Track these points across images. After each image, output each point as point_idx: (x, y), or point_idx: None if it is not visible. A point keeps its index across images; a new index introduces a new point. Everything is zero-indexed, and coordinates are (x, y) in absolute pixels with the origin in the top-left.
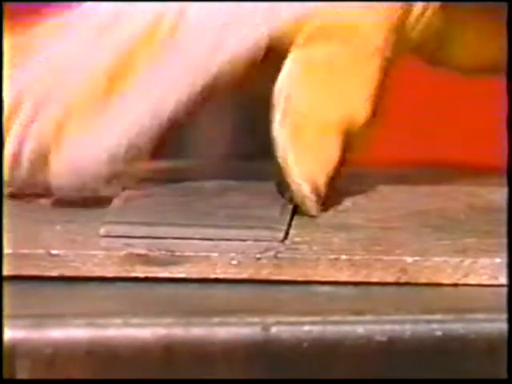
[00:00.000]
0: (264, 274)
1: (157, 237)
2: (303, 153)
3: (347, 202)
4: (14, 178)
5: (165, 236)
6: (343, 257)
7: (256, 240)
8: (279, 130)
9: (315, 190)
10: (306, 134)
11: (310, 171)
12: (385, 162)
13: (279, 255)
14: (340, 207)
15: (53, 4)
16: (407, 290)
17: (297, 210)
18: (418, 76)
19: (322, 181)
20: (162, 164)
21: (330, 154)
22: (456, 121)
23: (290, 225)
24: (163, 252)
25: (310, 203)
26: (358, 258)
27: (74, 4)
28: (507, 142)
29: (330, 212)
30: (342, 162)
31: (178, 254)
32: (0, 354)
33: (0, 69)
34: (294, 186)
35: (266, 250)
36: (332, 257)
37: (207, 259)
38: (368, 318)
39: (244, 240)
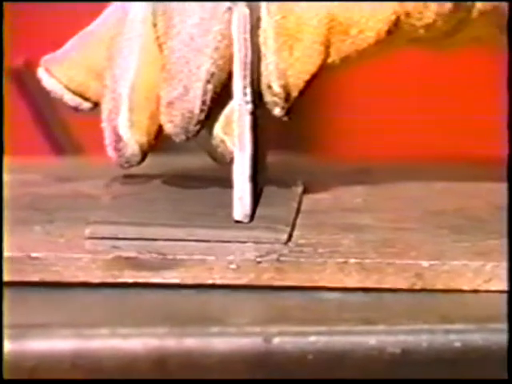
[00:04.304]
0: (265, 279)
1: (147, 238)
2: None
3: (356, 200)
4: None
5: (156, 237)
6: (352, 260)
7: (257, 242)
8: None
9: (286, 91)
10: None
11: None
12: (396, 154)
13: (282, 258)
14: (349, 206)
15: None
16: (423, 296)
17: (300, 206)
18: (431, 68)
19: (296, 87)
20: (155, 158)
21: (310, 63)
22: (472, 111)
23: (294, 225)
24: (154, 255)
25: (279, 102)
26: (368, 261)
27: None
28: (507, 142)
29: (338, 211)
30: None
31: (170, 257)
32: (0, 354)
33: (0, 68)
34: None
35: (268, 252)
36: (340, 260)
37: (203, 263)
38: (380, 327)
39: (243, 242)
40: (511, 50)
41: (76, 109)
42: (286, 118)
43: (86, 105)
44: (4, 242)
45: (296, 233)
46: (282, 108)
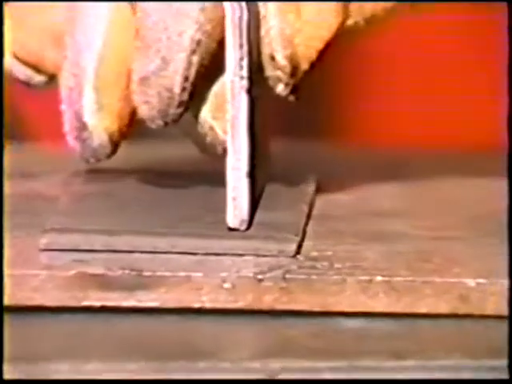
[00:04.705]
0: (268, 301)
1: (118, 250)
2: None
3: (383, 202)
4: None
5: (129, 249)
6: (379, 278)
7: (256, 254)
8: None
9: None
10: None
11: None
12: (432, 143)
13: (289, 276)
14: (374, 209)
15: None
16: (468, 324)
17: (312, 208)
18: (459, 53)
19: (305, 58)
20: (127, 149)
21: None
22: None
23: (304, 233)
24: (127, 271)
25: (284, 77)
26: (399, 279)
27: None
28: (508, 142)
29: (361, 216)
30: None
31: (147, 274)
32: (0, 354)
33: (0, 68)
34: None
35: (271, 268)
36: (363, 278)
37: (188, 281)
38: (412, 362)
39: (240, 254)
40: (511, 50)
41: (27, 84)
42: (292, 98)
43: (40, 78)
44: None
45: (307, 243)
46: (288, 85)
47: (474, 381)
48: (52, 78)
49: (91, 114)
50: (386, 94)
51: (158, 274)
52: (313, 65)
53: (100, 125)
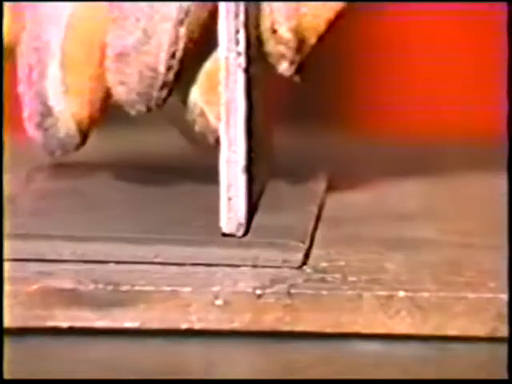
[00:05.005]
0: (269, 321)
1: (90, 260)
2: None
3: (405, 202)
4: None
5: (104, 259)
6: (401, 294)
7: (255, 265)
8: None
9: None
10: None
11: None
12: (463, 131)
13: (294, 291)
14: (396, 210)
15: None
16: (507, 348)
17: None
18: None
19: (313, 30)
20: (100, 139)
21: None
22: None
23: (312, 240)
24: (101, 285)
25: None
26: (425, 295)
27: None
28: (507, 142)
29: (380, 219)
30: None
31: (125, 288)
32: (0, 354)
33: (0, 68)
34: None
35: (273, 281)
36: (383, 293)
37: (175, 297)
38: None
39: (236, 265)
40: (511, 50)
41: None
42: (297, 79)
43: None
44: None
45: (315, 251)
46: (292, 62)
47: (474, 381)
48: (8, 53)
49: (56, 96)
50: (401, 80)
51: (138, 288)
52: (321, 38)
53: (67, 110)
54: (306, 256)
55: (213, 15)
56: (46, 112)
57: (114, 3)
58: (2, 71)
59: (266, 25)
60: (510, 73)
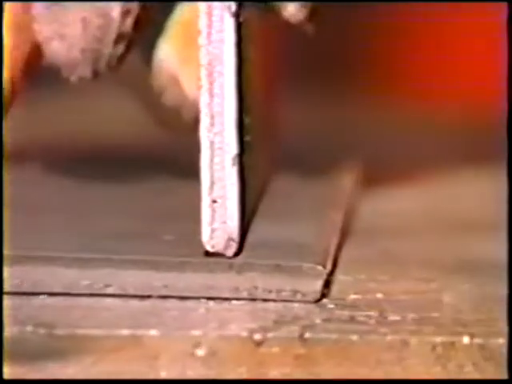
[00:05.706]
0: (273, 378)
1: (13, 292)
2: None
3: (467, 205)
4: None
5: (32, 290)
6: (465, 340)
7: (254, 298)
8: None
9: None
10: None
11: None
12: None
13: (309, 335)
14: (453, 216)
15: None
16: None
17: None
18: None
19: None
20: (28, 115)
21: None
22: None
23: (336, 260)
24: (30, 328)
25: None
26: (500, 341)
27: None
28: (507, 142)
29: (431, 229)
30: None
31: (63, 332)
32: (0, 354)
33: (0, 68)
34: None
35: (279, 322)
36: (438, 339)
37: (136, 345)
38: None
39: (225, 298)
40: (511, 50)
41: None
42: (310, 28)
43: None
44: None
45: (341, 278)
46: (302, 6)
47: (474, 381)
48: None
49: None
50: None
51: (82, 332)
52: None
53: None
54: (327, 285)
55: None
56: None
57: None
58: (2, 71)
59: None
60: (511, 73)
